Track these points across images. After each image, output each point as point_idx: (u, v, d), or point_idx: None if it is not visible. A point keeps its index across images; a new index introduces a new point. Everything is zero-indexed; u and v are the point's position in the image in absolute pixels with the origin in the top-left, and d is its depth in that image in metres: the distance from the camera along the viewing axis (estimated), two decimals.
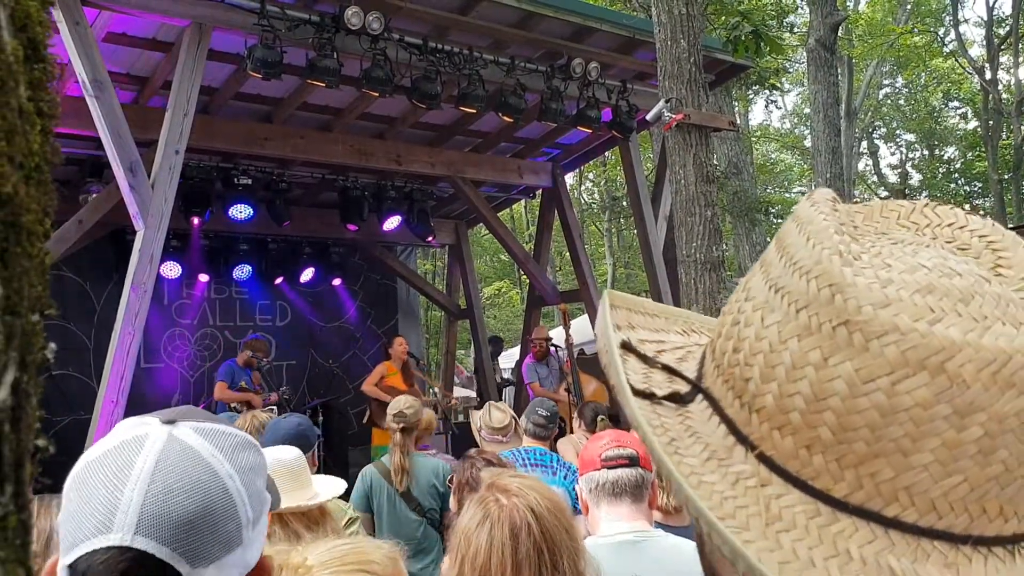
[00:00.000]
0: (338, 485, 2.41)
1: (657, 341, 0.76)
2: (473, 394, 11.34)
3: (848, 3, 21.75)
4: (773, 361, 0.60)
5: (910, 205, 0.66)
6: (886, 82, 28.23)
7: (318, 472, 2.96)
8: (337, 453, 8.60)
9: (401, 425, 3.94)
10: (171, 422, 0.85)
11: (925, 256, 0.59)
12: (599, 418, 5.03)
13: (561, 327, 8.39)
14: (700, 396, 0.67)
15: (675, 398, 0.67)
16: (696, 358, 0.71)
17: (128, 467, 0.79)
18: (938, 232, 0.64)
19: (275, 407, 6.86)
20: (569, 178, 15.07)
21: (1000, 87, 22.64)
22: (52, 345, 0.43)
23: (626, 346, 0.71)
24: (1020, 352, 0.53)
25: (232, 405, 7.04)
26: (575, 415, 5.62)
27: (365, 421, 7.77)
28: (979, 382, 0.53)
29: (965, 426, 0.54)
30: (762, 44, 7.44)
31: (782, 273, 0.62)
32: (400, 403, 4.15)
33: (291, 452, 2.34)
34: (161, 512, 0.77)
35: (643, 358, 0.71)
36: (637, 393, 0.66)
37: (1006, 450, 0.54)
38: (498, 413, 4.22)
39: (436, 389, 9.05)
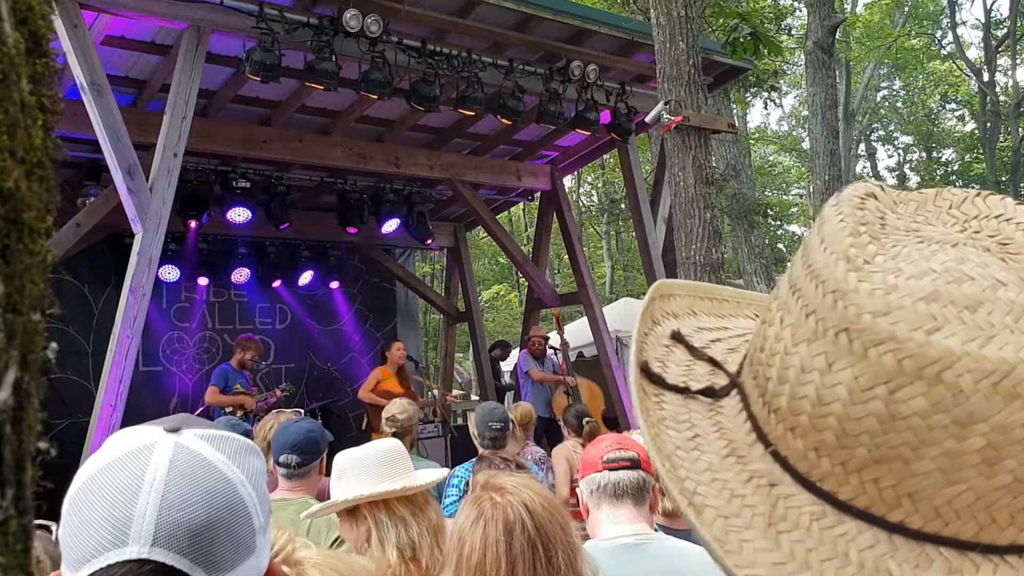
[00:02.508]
0: (439, 470, 2.34)
1: (720, 328, 0.76)
2: (475, 397, 11.33)
3: (846, 6, 21.78)
4: (787, 363, 0.60)
5: (962, 194, 0.66)
6: (884, 84, 28.29)
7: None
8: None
9: (393, 430, 3.96)
10: (174, 430, 0.82)
11: (942, 258, 0.58)
12: (585, 421, 5.00)
13: (555, 331, 8.39)
14: (735, 390, 0.68)
15: (709, 392, 0.68)
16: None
17: (139, 478, 0.76)
18: (983, 225, 0.62)
19: (300, 409, 6.75)
20: (568, 180, 15.07)
21: (998, 89, 22.70)
22: (53, 345, 0.42)
23: (676, 336, 0.73)
24: None
25: (227, 409, 6.95)
26: (561, 421, 5.52)
27: (364, 427, 7.77)
28: (979, 392, 0.52)
29: (965, 436, 0.53)
30: (760, 46, 7.46)
31: (800, 275, 0.62)
32: (394, 407, 4.17)
33: (390, 442, 2.35)
34: (178, 521, 0.75)
35: (690, 349, 0.72)
36: (670, 388, 0.67)
37: (1014, 460, 0.53)
38: None
39: (435, 391, 9.03)
